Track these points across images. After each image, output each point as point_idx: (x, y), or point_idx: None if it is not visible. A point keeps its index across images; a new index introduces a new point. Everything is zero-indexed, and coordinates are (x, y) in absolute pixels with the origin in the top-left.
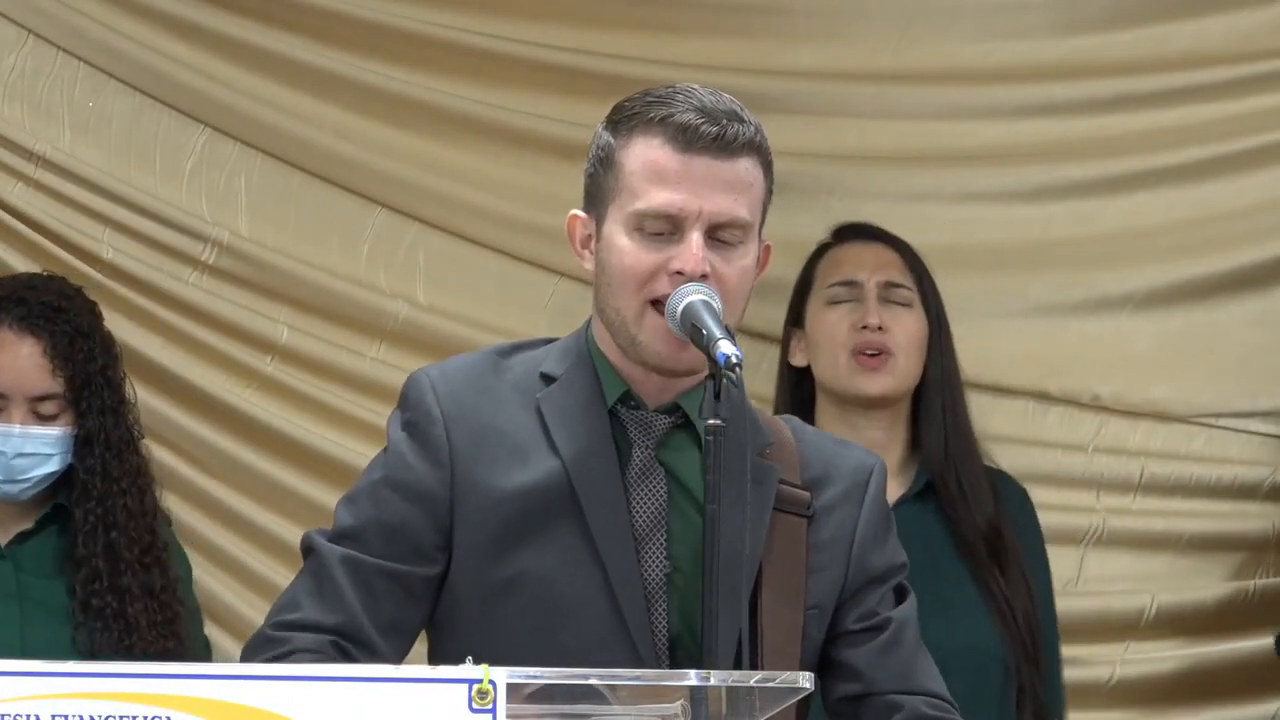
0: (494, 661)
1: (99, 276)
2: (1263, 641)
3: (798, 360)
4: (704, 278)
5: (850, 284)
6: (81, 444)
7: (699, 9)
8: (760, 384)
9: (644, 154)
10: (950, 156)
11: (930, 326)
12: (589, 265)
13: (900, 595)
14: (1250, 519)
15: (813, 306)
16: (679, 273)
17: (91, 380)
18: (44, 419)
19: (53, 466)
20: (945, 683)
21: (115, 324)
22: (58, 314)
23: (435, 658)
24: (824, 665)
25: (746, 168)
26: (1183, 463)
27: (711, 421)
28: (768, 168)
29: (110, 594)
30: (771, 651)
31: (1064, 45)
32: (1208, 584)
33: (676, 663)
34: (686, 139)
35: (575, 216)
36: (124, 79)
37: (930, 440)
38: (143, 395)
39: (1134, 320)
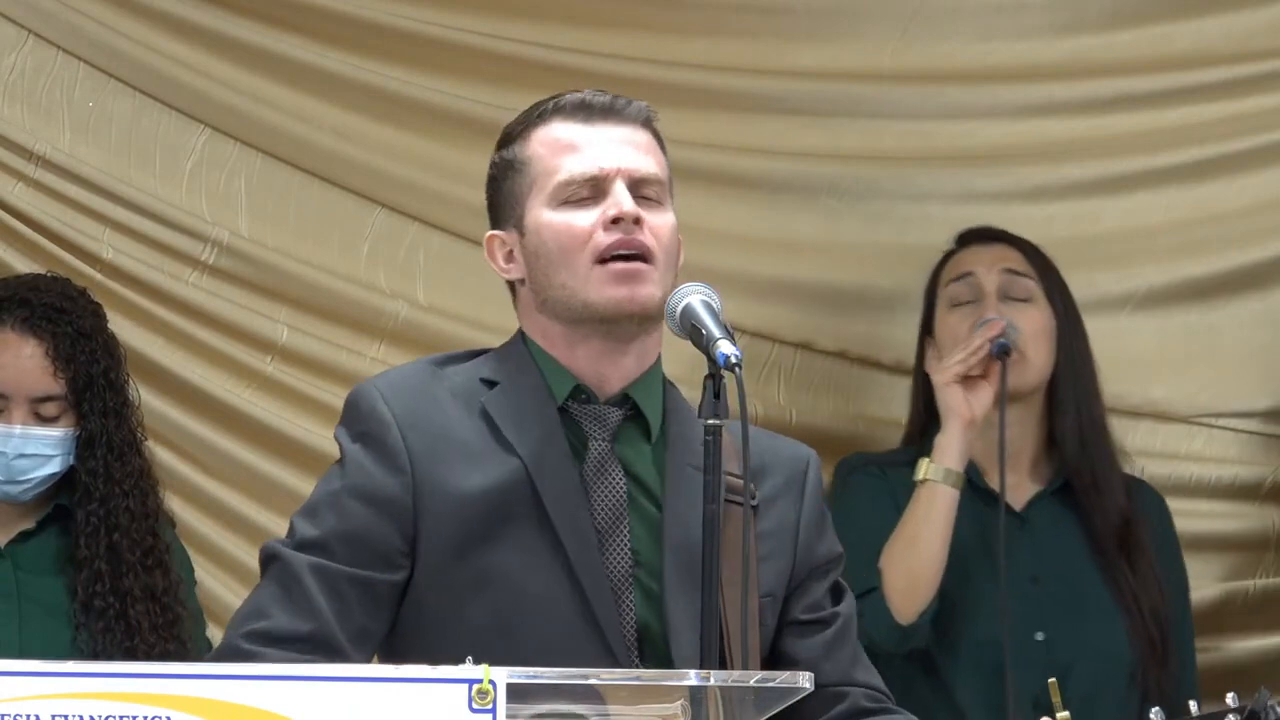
0: (462, 660)
1: (99, 276)
2: (1263, 641)
3: (932, 368)
4: (638, 223)
5: (968, 276)
6: (83, 445)
7: (700, 9)
8: (760, 384)
9: (547, 138)
10: (950, 156)
11: (1058, 319)
12: (515, 275)
13: (839, 592)
14: (1250, 519)
15: (939, 312)
16: (615, 221)
17: (93, 382)
18: (45, 420)
19: (54, 468)
20: (1071, 681)
21: (115, 324)
22: (60, 315)
23: (399, 661)
24: (770, 656)
25: (645, 135)
26: (1183, 463)
27: (711, 421)
28: (663, 145)
29: (112, 595)
30: (734, 640)
31: (1064, 45)
32: (1208, 584)
33: (644, 654)
34: (585, 112)
35: (492, 236)
36: (124, 79)
37: (1065, 433)
38: (143, 395)
39: (1134, 320)
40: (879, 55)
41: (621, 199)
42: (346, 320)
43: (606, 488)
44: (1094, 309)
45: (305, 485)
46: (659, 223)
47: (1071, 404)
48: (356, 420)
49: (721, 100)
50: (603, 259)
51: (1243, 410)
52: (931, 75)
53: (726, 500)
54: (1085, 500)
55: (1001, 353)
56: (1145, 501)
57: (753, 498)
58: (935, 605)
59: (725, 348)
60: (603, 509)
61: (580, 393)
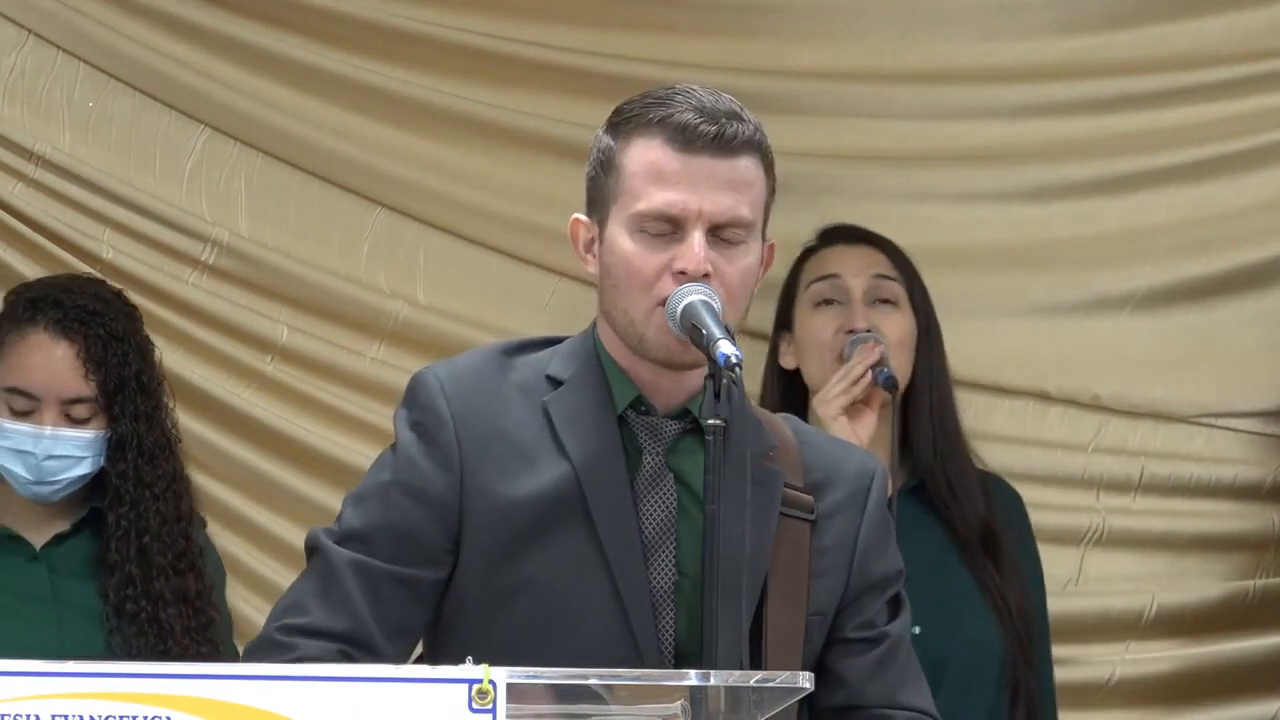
0: (498, 664)
1: (99, 277)
2: (1263, 641)
3: (787, 363)
4: (706, 277)
5: (833, 278)
6: (114, 448)
7: (699, 9)
8: (760, 384)
9: (643, 155)
10: (950, 157)
11: (918, 326)
12: (592, 268)
13: (896, 607)
14: (1250, 519)
15: (800, 309)
16: (682, 272)
17: (125, 385)
18: (76, 422)
19: (83, 469)
20: (946, 676)
21: None
22: (93, 318)
23: (435, 657)
24: (816, 672)
25: (747, 166)
26: (1183, 463)
27: (711, 421)
28: (769, 167)
29: (144, 599)
30: (774, 658)
31: (1064, 45)
32: (1208, 584)
33: (681, 669)
34: (686, 139)
35: (578, 220)
36: (124, 79)
37: (919, 441)
38: None
39: (1134, 320)
40: (879, 55)
41: (693, 250)
42: (346, 320)
43: (657, 500)
44: (1094, 309)
45: (305, 485)
46: (731, 269)
47: (926, 412)
48: (415, 408)
49: None
50: (665, 304)
51: (1243, 410)
52: (931, 75)
53: (786, 515)
54: (941, 505)
55: (889, 385)
56: (1002, 499)
57: (812, 512)
58: None
59: (725, 348)
60: (651, 521)
61: (640, 403)
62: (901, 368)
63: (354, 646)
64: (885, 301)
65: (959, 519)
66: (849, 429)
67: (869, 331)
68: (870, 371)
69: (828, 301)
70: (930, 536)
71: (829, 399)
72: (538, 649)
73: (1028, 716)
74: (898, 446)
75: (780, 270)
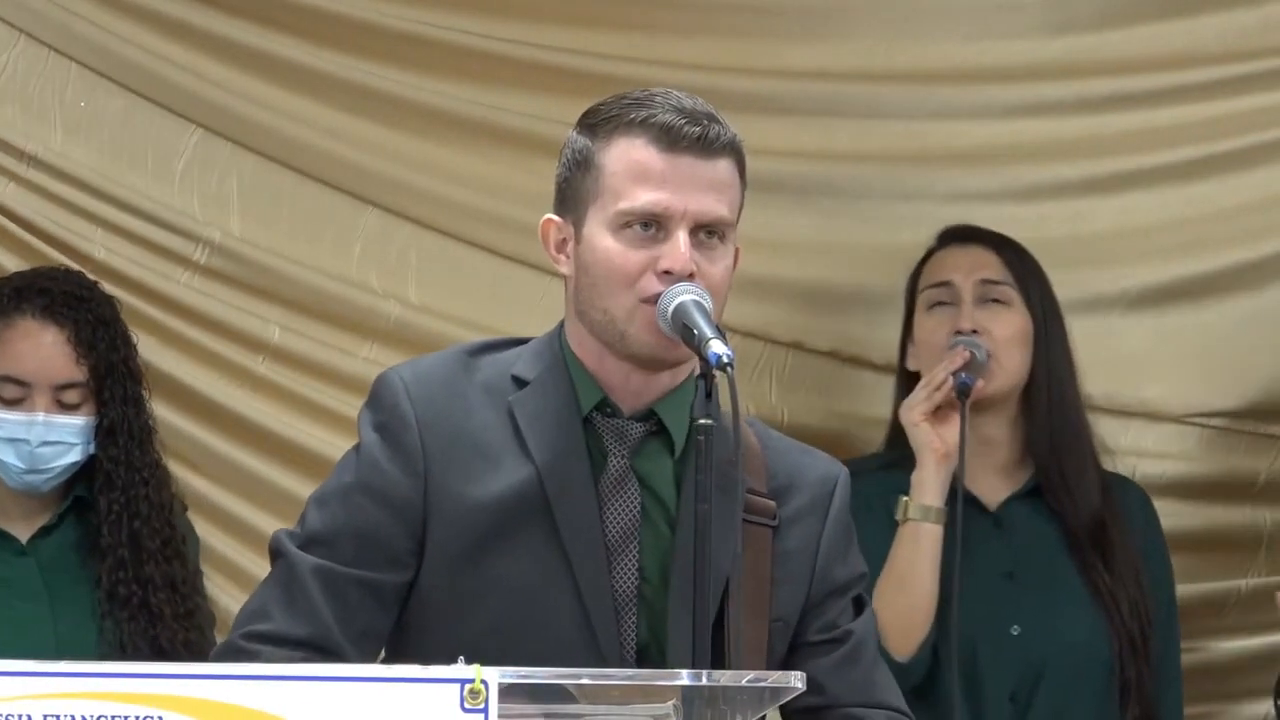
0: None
1: (91, 276)
2: (1254, 641)
3: (911, 365)
4: (690, 277)
5: (945, 285)
6: (105, 433)
7: (691, 9)
8: (753, 383)
9: (626, 154)
10: (942, 156)
11: (1035, 323)
12: (565, 269)
13: (859, 606)
14: (1242, 519)
15: (918, 313)
16: (667, 272)
17: (114, 369)
18: (67, 408)
19: (75, 456)
20: (1045, 678)
21: None
22: (80, 303)
23: (398, 659)
24: None
25: (726, 168)
26: (1175, 462)
27: (703, 421)
28: (743, 170)
29: (135, 583)
30: (736, 664)
31: (1056, 45)
32: (1199, 583)
33: None
34: (670, 139)
35: (550, 220)
36: (116, 79)
37: (1036, 437)
38: None
39: (1126, 320)
40: (871, 55)
41: (679, 249)
42: (339, 320)
43: (621, 504)
44: (1086, 309)
45: (297, 485)
46: (712, 269)
47: (1044, 407)
48: (379, 410)
49: (713, 100)
50: (649, 301)
51: (1235, 409)
52: (923, 75)
53: (749, 521)
54: (1054, 501)
55: (961, 391)
56: (1127, 499)
57: (774, 518)
58: (934, 635)
59: (717, 347)
60: (615, 525)
61: (606, 405)
62: (1012, 366)
63: (318, 652)
64: (995, 301)
65: (1072, 516)
66: (931, 434)
67: (974, 333)
68: (951, 377)
69: (940, 304)
70: (1042, 539)
71: (911, 405)
72: (501, 651)
73: (1143, 714)
74: (1023, 445)
75: (784, 269)
